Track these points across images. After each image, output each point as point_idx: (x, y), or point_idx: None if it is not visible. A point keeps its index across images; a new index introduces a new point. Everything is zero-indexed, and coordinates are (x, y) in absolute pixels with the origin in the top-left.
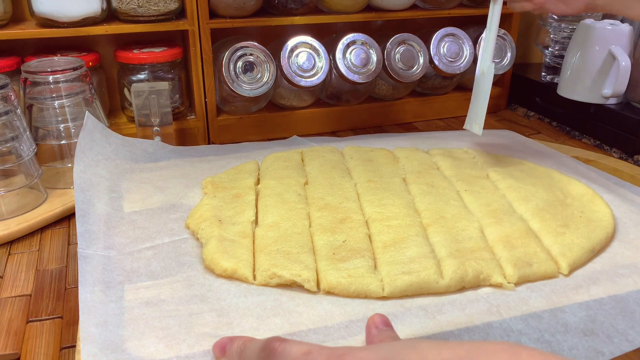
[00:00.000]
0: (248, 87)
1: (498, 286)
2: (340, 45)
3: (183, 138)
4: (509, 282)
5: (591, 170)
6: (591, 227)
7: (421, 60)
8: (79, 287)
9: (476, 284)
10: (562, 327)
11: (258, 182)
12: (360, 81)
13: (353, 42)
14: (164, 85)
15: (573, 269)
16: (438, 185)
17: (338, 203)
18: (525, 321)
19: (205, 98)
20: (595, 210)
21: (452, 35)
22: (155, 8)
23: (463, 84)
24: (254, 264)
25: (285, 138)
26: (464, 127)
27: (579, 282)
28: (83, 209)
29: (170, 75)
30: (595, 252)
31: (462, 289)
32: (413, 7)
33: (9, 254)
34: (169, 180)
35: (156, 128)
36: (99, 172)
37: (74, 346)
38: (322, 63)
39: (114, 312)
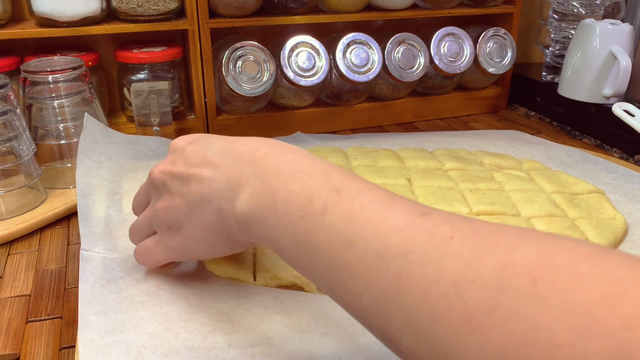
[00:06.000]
0: (248, 87)
1: None
2: (340, 45)
3: None
4: None
5: (599, 163)
6: (600, 231)
7: (421, 60)
8: (80, 284)
9: None
10: None
11: None
12: (360, 81)
13: (353, 42)
14: (164, 85)
15: None
16: (443, 186)
17: None
18: None
19: (205, 98)
20: (604, 213)
21: (453, 34)
22: (155, 7)
23: (463, 83)
24: (254, 266)
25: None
26: None
27: None
28: (85, 214)
29: (170, 75)
30: None
31: None
32: (413, 6)
33: (9, 254)
34: None
35: (156, 128)
36: (102, 175)
37: (74, 346)
38: (322, 63)
39: (114, 302)
